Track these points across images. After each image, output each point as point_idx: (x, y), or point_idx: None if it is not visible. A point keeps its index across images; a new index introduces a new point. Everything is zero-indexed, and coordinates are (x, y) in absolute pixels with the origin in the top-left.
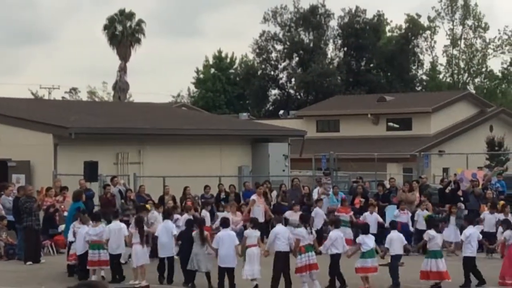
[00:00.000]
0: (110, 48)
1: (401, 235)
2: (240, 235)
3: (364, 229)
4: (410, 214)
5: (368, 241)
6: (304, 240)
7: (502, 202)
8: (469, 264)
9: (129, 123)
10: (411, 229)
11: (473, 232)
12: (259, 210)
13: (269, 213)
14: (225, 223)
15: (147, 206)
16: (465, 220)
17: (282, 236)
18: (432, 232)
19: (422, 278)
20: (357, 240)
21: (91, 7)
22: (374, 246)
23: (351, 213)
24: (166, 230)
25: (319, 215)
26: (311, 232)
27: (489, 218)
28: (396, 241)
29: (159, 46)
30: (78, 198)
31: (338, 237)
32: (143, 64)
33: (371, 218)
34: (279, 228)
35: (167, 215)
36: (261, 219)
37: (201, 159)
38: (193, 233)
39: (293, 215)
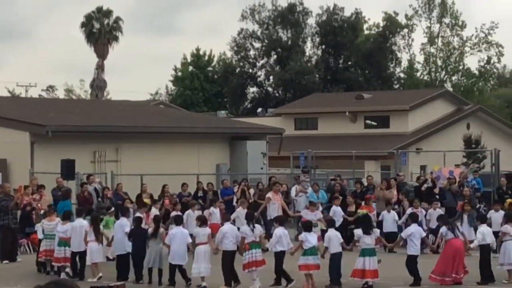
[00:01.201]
0: (88, 45)
1: (338, 233)
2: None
3: (306, 226)
4: (424, 212)
5: (310, 239)
6: (248, 237)
7: (509, 200)
8: (412, 263)
9: (106, 121)
10: (424, 227)
11: (415, 230)
12: (275, 208)
13: (287, 210)
14: (178, 220)
15: (146, 201)
16: (437, 219)
17: (230, 235)
18: (358, 231)
19: (352, 275)
20: (300, 237)
21: (68, 5)
22: (316, 244)
23: (374, 211)
24: (120, 227)
25: (337, 213)
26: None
27: (496, 217)
28: (333, 239)
29: (137, 44)
30: (66, 197)
31: (282, 234)
32: (120, 62)
33: (337, 210)
34: (227, 227)
35: (124, 212)
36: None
37: (179, 157)
38: (149, 230)
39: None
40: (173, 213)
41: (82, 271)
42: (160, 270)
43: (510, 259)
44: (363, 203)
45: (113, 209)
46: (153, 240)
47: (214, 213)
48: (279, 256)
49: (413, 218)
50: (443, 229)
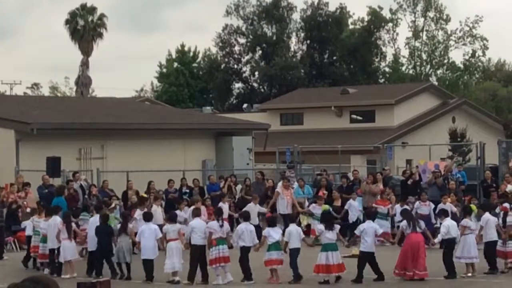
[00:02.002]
0: (72, 43)
1: (299, 228)
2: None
3: (271, 222)
4: (432, 206)
5: (273, 234)
6: (216, 233)
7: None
8: (363, 259)
9: (91, 118)
10: (433, 221)
11: (367, 227)
12: (284, 202)
13: (296, 206)
14: (147, 216)
15: (144, 195)
16: (401, 213)
17: (198, 230)
18: (321, 226)
19: (315, 271)
20: (263, 233)
21: (52, 2)
22: (280, 239)
23: (390, 205)
24: (95, 224)
25: (353, 207)
26: (223, 225)
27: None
28: (294, 234)
29: (122, 41)
30: (60, 193)
31: (245, 230)
32: (105, 58)
33: (255, 208)
34: (195, 222)
35: (97, 209)
36: (286, 211)
37: (164, 154)
38: (118, 225)
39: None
40: (154, 209)
41: (58, 267)
42: (128, 265)
43: (470, 253)
44: (378, 197)
45: (113, 205)
46: (122, 236)
47: (222, 208)
48: (243, 251)
49: (404, 214)
50: (404, 223)
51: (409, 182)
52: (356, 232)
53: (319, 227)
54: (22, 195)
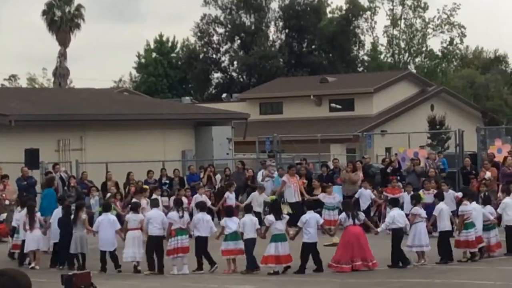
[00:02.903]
0: (49, 34)
1: (255, 219)
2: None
3: (227, 212)
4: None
5: (230, 224)
6: (175, 224)
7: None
8: (307, 250)
9: (70, 109)
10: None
11: (309, 217)
12: (291, 191)
13: (304, 194)
14: (106, 207)
15: (145, 187)
16: (342, 205)
17: (154, 220)
18: (270, 217)
19: (263, 262)
20: (221, 223)
21: None
22: (237, 229)
23: (401, 194)
24: (57, 216)
25: (363, 196)
26: (183, 216)
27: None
28: (248, 225)
29: (99, 31)
30: (50, 184)
31: (201, 219)
32: (83, 49)
33: (260, 198)
34: (152, 212)
35: (61, 201)
36: (294, 199)
37: (144, 144)
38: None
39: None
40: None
41: (22, 258)
42: (83, 255)
43: (420, 241)
44: (389, 185)
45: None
46: (76, 227)
47: (230, 197)
48: (197, 241)
49: (344, 205)
50: (343, 215)
51: (388, 170)
52: (299, 224)
53: (269, 218)
54: (1, 188)
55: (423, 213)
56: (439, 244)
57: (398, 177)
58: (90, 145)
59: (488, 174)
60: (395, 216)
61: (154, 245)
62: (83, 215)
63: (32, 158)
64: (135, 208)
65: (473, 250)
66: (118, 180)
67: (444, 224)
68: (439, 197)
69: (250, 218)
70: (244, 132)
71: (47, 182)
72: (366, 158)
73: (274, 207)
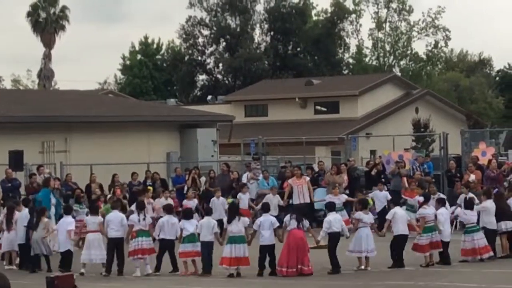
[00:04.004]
0: (34, 35)
1: (214, 221)
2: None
3: (185, 214)
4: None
5: (187, 226)
6: (136, 226)
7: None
8: (263, 252)
9: (54, 111)
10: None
11: (263, 220)
12: (295, 192)
13: (312, 195)
14: (68, 209)
15: (149, 188)
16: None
17: (112, 223)
18: (286, 218)
19: (221, 263)
20: (179, 225)
21: None
22: (195, 231)
23: (416, 196)
24: (26, 218)
25: (378, 197)
26: (144, 219)
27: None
28: (204, 227)
29: (84, 33)
30: (46, 185)
31: (166, 222)
32: (68, 51)
33: (274, 199)
34: (111, 215)
35: (26, 203)
36: (299, 201)
37: (129, 146)
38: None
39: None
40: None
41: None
42: (47, 257)
43: (360, 247)
44: (408, 188)
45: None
46: (36, 230)
47: (242, 198)
48: (161, 243)
49: (296, 209)
50: (287, 218)
51: (372, 173)
52: (254, 227)
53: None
54: None
55: (366, 218)
56: (392, 247)
57: (383, 180)
58: (75, 147)
59: (472, 177)
60: (331, 221)
61: (113, 247)
62: (45, 219)
63: (16, 159)
64: (68, 211)
65: (428, 253)
66: (102, 182)
67: (398, 228)
68: (426, 198)
69: (207, 220)
70: (229, 134)
71: (44, 182)
72: (351, 160)
73: (231, 210)
